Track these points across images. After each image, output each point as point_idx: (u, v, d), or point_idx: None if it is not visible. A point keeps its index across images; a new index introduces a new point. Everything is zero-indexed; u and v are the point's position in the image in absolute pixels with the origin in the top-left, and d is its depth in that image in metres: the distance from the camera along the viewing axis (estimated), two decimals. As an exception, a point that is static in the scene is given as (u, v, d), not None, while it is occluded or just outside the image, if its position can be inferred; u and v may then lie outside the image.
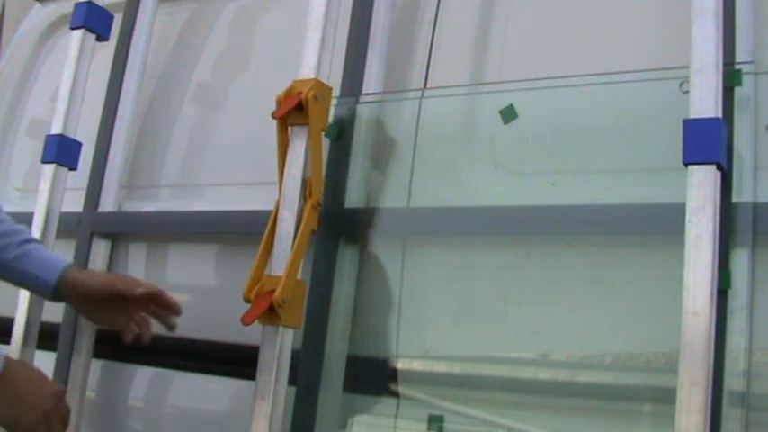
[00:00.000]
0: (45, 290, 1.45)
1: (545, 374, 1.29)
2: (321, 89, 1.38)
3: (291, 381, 1.33)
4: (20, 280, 1.46)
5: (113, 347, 1.75)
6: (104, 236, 1.81)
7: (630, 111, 1.27)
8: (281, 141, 1.40)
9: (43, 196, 1.71)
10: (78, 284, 1.44)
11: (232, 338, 1.53)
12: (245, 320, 1.28)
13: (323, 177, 1.40)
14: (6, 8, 2.62)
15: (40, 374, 1.31)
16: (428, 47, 1.52)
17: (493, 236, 1.37)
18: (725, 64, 1.14)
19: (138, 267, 1.81)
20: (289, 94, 1.37)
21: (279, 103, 1.37)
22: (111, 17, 1.85)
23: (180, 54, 1.93)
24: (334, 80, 1.44)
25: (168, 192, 1.83)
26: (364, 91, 1.50)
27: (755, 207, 1.14)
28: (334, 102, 1.44)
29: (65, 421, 1.30)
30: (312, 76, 1.39)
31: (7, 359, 1.24)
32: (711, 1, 1.15)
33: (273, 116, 1.37)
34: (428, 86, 1.49)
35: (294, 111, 1.36)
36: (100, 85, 1.86)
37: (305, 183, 1.37)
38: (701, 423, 1.01)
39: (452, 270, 1.39)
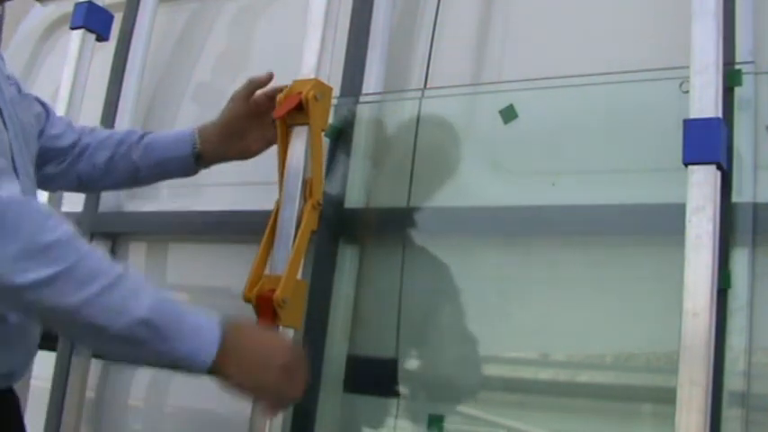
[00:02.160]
0: (186, 163, 1.48)
1: (545, 374, 1.29)
2: (321, 89, 1.38)
3: (291, 381, 1.33)
4: (157, 173, 1.49)
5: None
6: (104, 236, 1.81)
7: (630, 111, 1.27)
8: (282, 141, 1.39)
9: (43, 196, 1.71)
10: (212, 130, 1.46)
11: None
12: None
13: (323, 177, 1.40)
14: (6, 8, 2.62)
15: (265, 334, 1.22)
16: (428, 47, 1.52)
17: (493, 236, 1.37)
18: (725, 64, 1.14)
19: (138, 267, 1.81)
20: (289, 94, 1.37)
21: (279, 103, 1.37)
22: (111, 17, 1.85)
23: (180, 54, 1.93)
24: (335, 80, 1.44)
25: (168, 192, 1.83)
26: (364, 91, 1.50)
27: (755, 207, 1.14)
28: (334, 102, 1.44)
29: (304, 373, 1.20)
30: (312, 76, 1.38)
31: (223, 325, 1.12)
32: (711, 1, 1.15)
33: (274, 116, 1.37)
34: (428, 86, 1.49)
35: (294, 111, 1.36)
36: (100, 85, 1.86)
37: (305, 183, 1.37)
38: (700, 423, 1.01)
39: (453, 270, 1.39)
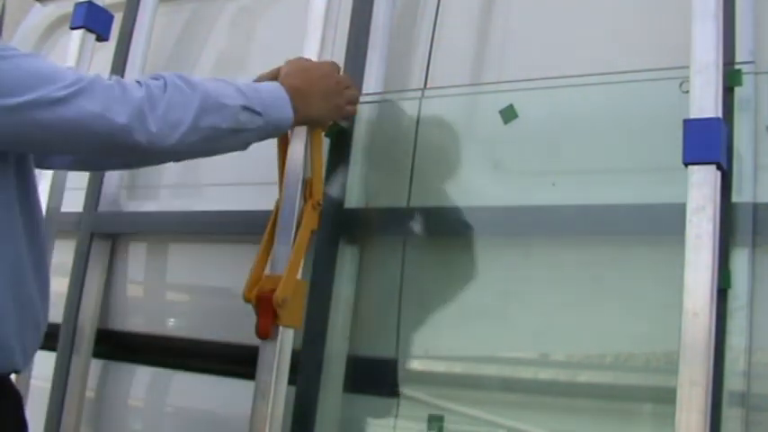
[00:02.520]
0: None
1: (545, 374, 1.29)
2: (321, 89, 1.38)
3: (291, 381, 1.33)
4: None
5: (113, 347, 1.75)
6: (104, 236, 1.81)
7: (630, 111, 1.27)
8: (281, 141, 1.40)
9: (43, 196, 1.71)
10: None
11: (232, 338, 1.53)
12: (262, 336, 1.29)
13: (323, 177, 1.40)
14: (6, 8, 2.62)
15: (307, 70, 1.36)
16: (428, 47, 1.52)
17: (493, 236, 1.37)
18: (725, 64, 1.14)
19: (138, 267, 1.81)
20: (289, 93, 1.37)
21: (279, 103, 1.37)
22: (111, 17, 1.85)
23: (180, 54, 1.92)
24: (334, 80, 1.44)
25: (168, 192, 1.83)
26: (364, 91, 1.50)
27: (755, 207, 1.14)
28: (334, 102, 1.44)
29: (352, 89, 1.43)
30: (312, 76, 1.39)
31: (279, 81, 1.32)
32: (711, 1, 1.15)
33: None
34: (428, 86, 1.49)
35: (294, 110, 1.36)
36: (100, 85, 1.86)
37: (305, 183, 1.37)
38: (700, 423, 1.01)
39: (453, 270, 1.39)
